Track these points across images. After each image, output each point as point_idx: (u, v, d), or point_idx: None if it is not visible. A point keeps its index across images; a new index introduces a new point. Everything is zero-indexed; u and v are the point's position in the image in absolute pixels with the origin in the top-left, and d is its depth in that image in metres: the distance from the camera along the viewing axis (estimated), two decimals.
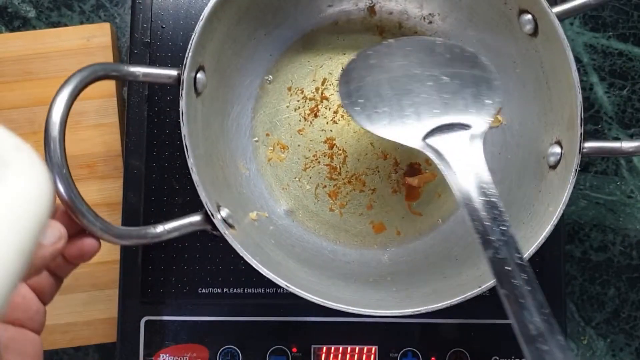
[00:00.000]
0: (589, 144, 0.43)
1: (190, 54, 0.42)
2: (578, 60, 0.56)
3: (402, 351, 0.51)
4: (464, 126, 0.42)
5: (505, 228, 0.37)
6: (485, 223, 0.37)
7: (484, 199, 0.38)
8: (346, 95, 0.45)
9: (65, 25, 0.57)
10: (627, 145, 0.43)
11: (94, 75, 0.41)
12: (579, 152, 0.42)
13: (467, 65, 0.45)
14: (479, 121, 0.42)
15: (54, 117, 0.39)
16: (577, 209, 0.57)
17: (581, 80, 0.43)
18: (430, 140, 0.42)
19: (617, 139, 0.57)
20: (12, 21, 0.57)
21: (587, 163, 0.48)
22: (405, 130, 0.42)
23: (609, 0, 0.44)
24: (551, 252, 0.51)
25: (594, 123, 0.57)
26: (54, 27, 0.57)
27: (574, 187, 0.43)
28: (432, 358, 0.51)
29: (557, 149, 0.46)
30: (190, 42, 0.43)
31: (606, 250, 0.56)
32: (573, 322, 0.56)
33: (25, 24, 0.57)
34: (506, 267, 0.35)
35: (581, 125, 0.42)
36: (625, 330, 0.56)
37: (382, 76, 0.45)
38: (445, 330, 0.51)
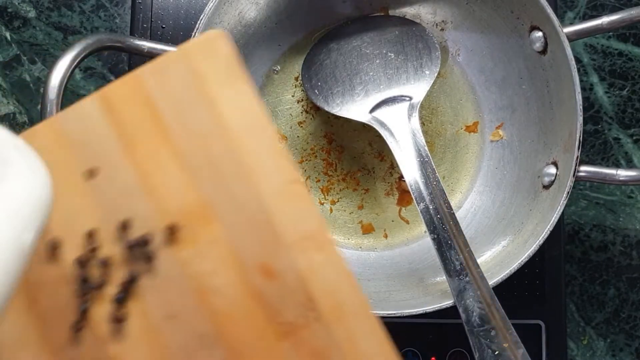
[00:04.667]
0: (585, 168, 0.43)
1: (197, 35, 0.42)
2: (578, 60, 0.56)
3: (402, 351, 0.51)
4: (405, 97, 0.47)
5: (436, 183, 0.43)
6: (420, 180, 0.44)
7: (419, 159, 0.44)
8: (308, 79, 0.50)
9: (66, 25, 0.57)
10: (623, 173, 0.43)
11: (98, 44, 0.41)
12: (573, 175, 0.43)
13: (413, 39, 0.50)
14: (418, 91, 0.48)
15: (54, 81, 0.39)
16: (577, 209, 0.57)
17: (581, 80, 0.43)
18: (375, 113, 0.47)
19: (617, 139, 0.56)
20: (12, 21, 0.57)
21: (587, 163, 0.48)
22: (355, 107, 0.48)
23: (620, 25, 0.44)
24: (551, 252, 0.51)
25: (594, 123, 0.57)
26: (54, 27, 0.57)
27: (574, 188, 0.43)
28: (432, 358, 0.51)
29: (553, 170, 0.46)
30: (199, 22, 0.43)
31: (606, 250, 0.56)
32: (573, 322, 0.56)
33: (25, 24, 0.57)
34: (437, 216, 0.42)
35: (579, 149, 0.43)
36: (625, 330, 0.56)
37: (338, 58, 0.50)
38: (445, 330, 0.51)
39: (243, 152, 0.34)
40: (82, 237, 0.34)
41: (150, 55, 0.43)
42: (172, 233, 0.34)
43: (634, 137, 0.56)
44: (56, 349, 0.34)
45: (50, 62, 0.57)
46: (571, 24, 0.46)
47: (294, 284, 0.34)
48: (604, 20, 0.44)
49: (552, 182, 0.46)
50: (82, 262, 0.34)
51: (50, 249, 0.34)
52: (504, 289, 0.43)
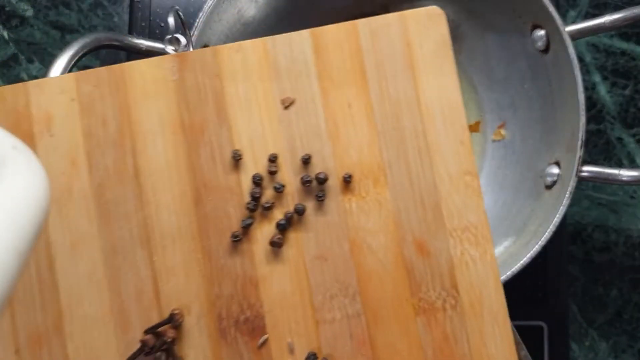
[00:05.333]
0: (588, 168, 0.43)
1: (196, 32, 0.42)
2: (580, 59, 0.56)
3: None
4: None
5: None
6: None
7: None
8: None
9: (64, 24, 0.57)
10: (626, 173, 0.43)
11: (96, 43, 0.42)
12: (576, 176, 0.42)
13: None
14: None
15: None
16: (580, 210, 0.56)
17: (583, 80, 0.43)
18: None
19: (619, 139, 0.56)
20: (10, 20, 0.57)
21: (590, 163, 0.48)
22: None
23: (622, 24, 0.44)
24: (553, 253, 0.51)
25: (597, 122, 0.56)
26: (52, 26, 0.57)
27: (576, 188, 0.43)
28: None
29: (555, 170, 0.46)
30: (197, 20, 0.43)
31: (609, 251, 0.56)
32: (575, 324, 0.55)
33: (22, 23, 0.57)
34: None
35: (581, 148, 0.42)
36: (627, 331, 0.55)
37: None
38: None
39: (430, 130, 0.36)
40: (264, 158, 0.36)
41: (148, 54, 0.42)
42: (346, 182, 0.36)
43: (637, 137, 0.56)
44: (210, 251, 0.36)
45: (48, 61, 0.57)
46: (573, 22, 0.46)
47: (443, 269, 0.36)
48: (607, 18, 0.44)
49: (554, 182, 0.45)
50: (259, 181, 0.36)
51: (233, 158, 0.36)
52: (505, 290, 0.43)
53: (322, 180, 0.35)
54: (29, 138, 0.36)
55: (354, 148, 0.36)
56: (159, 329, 0.35)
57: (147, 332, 0.35)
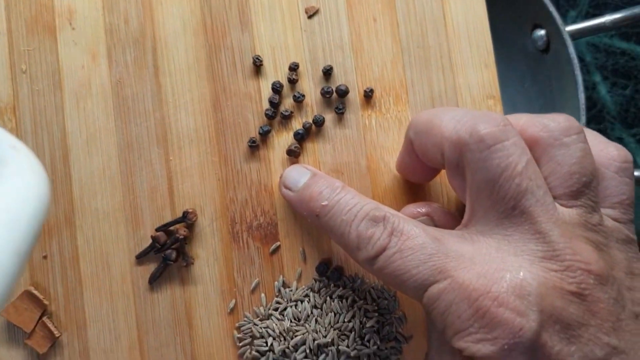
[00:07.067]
0: None
1: None
2: (580, 59, 0.56)
3: None
4: None
5: None
6: None
7: None
8: None
9: None
10: None
11: None
12: None
13: None
14: None
15: None
16: None
17: (584, 80, 0.43)
18: None
19: (620, 139, 0.56)
20: None
21: None
22: None
23: (622, 24, 0.44)
24: None
25: (597, 122, 0.56)
26: None
27: None
28: None
29: None
30: None
31: None
32: None
33: None
34: None
35: None
36: None
37: None
38: None
39: (455, 51, 0.36)
40: (285, 67, 0.36)
41: None
42: (367, 97, 0.36)
43: (637, 137, 0.56)
44: (226, 155, 0.36)
45: None
46: (573, 22, 0.46)
47: None
48: (607, 18, 0.44)
49: None
50: (279, 88, 0.36)
51: (253, 64, 0.36)
52: None
53: (342, 93, 0.35)
54: (49, 30, 0.36)
55: (376, 63, 0.36)
56: (172, 227, 0.36)
57: (158, 229, 0.35)
